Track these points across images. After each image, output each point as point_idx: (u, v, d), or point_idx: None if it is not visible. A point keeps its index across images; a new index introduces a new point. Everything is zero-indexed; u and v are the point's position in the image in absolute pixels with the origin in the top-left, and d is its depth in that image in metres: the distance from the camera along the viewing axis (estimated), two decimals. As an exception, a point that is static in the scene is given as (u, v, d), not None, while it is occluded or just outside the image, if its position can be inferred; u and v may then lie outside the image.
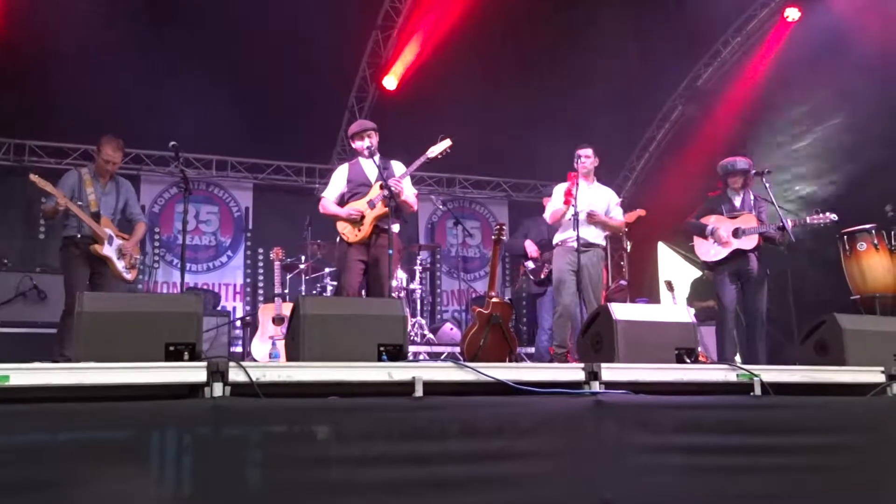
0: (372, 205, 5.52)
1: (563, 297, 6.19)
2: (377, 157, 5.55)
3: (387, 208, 5.46)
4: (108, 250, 5.59)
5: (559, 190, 6.30)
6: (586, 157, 6.28)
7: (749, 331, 6.10)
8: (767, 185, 6.04)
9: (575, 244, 5.99)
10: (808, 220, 6.02)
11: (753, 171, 6.24)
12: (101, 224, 5.60)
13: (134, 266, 5.77)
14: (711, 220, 6.25)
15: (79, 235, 5.57)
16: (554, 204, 6.31)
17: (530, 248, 7.54)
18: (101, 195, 5.72)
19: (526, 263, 7.71)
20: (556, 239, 6.38)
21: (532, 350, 7.61)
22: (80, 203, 5.58)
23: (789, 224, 5.89)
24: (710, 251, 6.22)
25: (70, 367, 2.82)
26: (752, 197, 6.32)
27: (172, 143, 5.45)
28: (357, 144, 5.72)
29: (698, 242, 6.35)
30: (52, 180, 5.64)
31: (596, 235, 6.28)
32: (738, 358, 6.19)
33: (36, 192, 8.51)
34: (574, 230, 5.96)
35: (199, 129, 7.90)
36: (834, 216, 5.98)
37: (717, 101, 9.68)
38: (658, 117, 10.51)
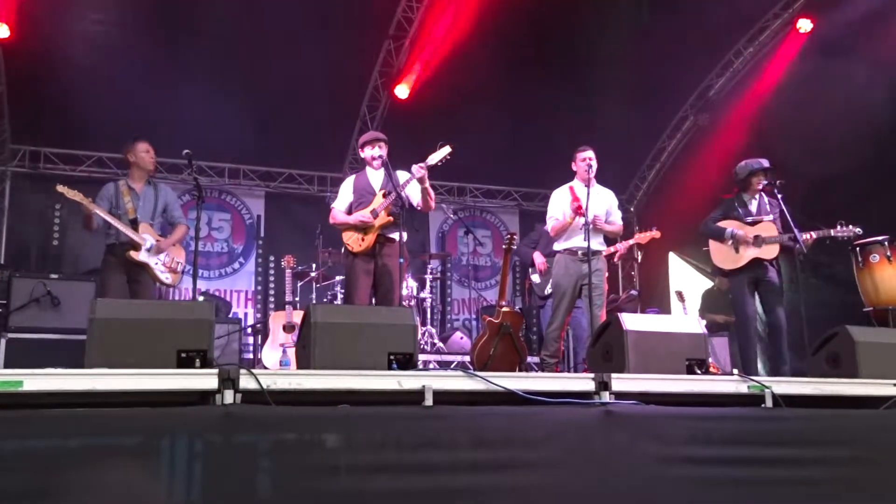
0: (375, 214, 5.54)
1: (563, 305, 6.10)
2: (384, 168, 5.60)
3: (390, 217, 5.51)
4: (144, 255, 5.63)
5: (559, 200, 6.20)
6: (591, 160, 6.05)
7: (774, 341, 6.04)
8: (780, 195, 6.00)
9: (579, 252, 5.96)
10: (831, 233, 5.92)
11: (766, 182, 6.21)
12: (140, 230, 5.65)
13: (175, 269, 5.77)
14: (731, 226, 6.19)
15: (116, 243, 5.64)
16: (559, 216, 6.14)
17: (538, 260, 7.48)
18: (139, 201, 5.77)
19: (532, 277, 7.67)
20: (560, 246, 6.22)
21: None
22: (118, 212, 5.65)
23: (812, 235, 5.85)
24: (729, 258, 6.15)
25: (82, 374, 2.83)
26: (766, 201, 6.28)
27: (186, 151, 5.49)
28: (366, 153, 5.76)
29: (715, 247, 6.26)
30: (67, 187, 5.68)
31: (599, 243, 6.13)
32: (759, 367, 6.14)
33: (51, 199, 8.77)
34: (584, 239, 5.80)
35: (211, 138, 7.97)
36: (858, 229, 5.92)
37: (729, 112, 9.66)
38: (669, 127, 10.50)
